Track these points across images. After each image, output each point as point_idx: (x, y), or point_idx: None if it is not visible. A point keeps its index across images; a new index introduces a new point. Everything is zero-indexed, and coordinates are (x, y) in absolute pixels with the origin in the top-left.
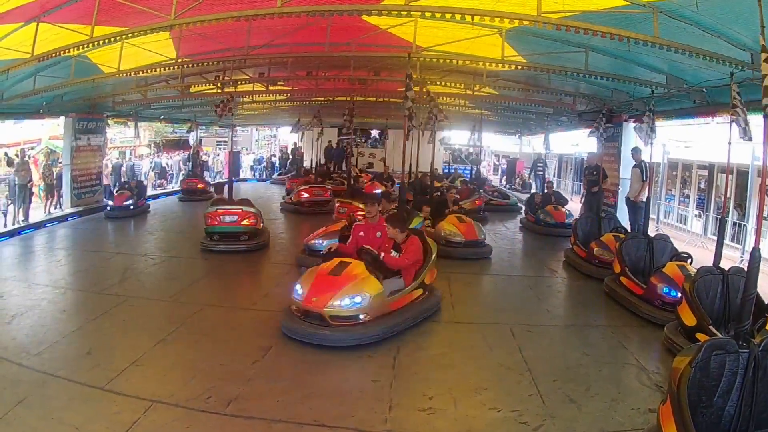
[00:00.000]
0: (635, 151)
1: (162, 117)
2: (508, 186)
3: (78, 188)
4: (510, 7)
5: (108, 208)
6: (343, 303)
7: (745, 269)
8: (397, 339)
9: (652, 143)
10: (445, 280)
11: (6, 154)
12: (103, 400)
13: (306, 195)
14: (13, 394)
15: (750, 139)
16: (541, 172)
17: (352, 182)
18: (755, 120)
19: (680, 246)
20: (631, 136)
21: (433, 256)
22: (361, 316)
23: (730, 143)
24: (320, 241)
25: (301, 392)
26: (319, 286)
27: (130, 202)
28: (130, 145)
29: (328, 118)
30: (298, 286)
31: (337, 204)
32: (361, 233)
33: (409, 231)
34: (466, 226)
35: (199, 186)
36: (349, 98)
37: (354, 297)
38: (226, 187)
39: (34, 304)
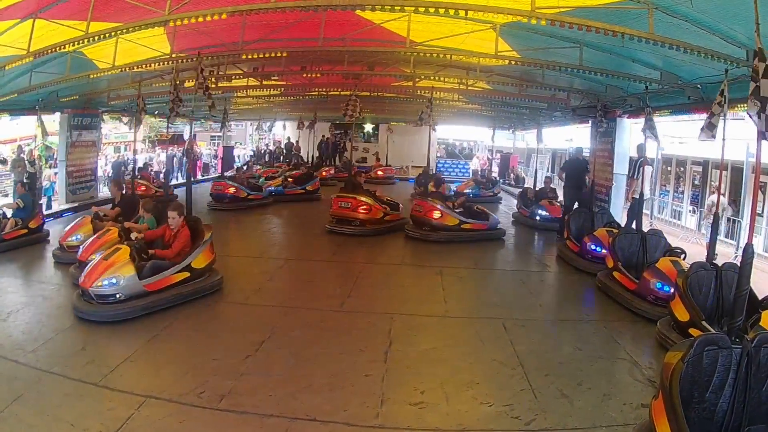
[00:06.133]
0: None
1: (156, 112)
2: (502, 181)
3: (73, 184)
4: (504, 3)
5: None
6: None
7: (739, 265)
8: (389, 333)
9: (656, 138)
10: (438, 274)
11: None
12: (97, 396)
13: None
14: (8, 391)
15: (713, 138)
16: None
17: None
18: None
19: (674, 242)
20: (624, 131)
21: (206, 238)
22: (118, 295)
23: (724, 139)
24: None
25: (294, 387)
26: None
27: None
28: (125, 140)
29: (322, 113)
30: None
31: (335, 197)
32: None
33: (185, 220)
34: None
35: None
36: (350, 92)
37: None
38: None
39: (30, 300)
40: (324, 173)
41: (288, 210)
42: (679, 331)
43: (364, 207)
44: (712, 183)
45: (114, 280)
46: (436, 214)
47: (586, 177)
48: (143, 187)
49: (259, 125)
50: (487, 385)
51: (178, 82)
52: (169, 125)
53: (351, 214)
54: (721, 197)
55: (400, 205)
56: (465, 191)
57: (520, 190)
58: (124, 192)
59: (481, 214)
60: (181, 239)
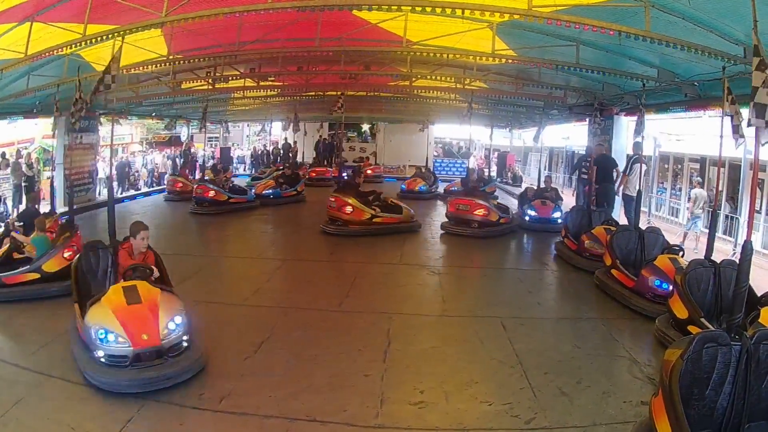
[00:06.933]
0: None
1: (153, 114)
2: (498, 180)
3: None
4: (501, 1)
5: None
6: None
7: (737, 262)
8: (388, 333)
9: (642, 137)
10: (436, 274)
11: (3, 154)
12: (98, 399)
13: None
14: (9, 394)
15: (743, 137)
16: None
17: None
18: (746, 114)
19: (671, 239)
20: (622, 129)
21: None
22: (185, 338)
23: (722, 136)
24: None
25: (293, 388)
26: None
27: None
28: (122, 142)
29: (318, 113)
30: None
31: (332, 198)
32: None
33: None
34: None
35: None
36: (339, 93)
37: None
38: None
39: (30, 304)
40: (312, 173)
41: (278, 212)
42: (678, 328)
43: (348, 207)
44: (694, 178)
45: (179, 319)
46: (481, 212)
47: (614, 171)
48: (180, 184)
49: (262, 129)
50: (487, 384)
51: (81, 80)
52: (167, 127)
53: (336, 213)
54: (702, 191)
55: (404, 207)
56: (452, 189)
57: (521, 190)
58: (33, 205)
59: (504, 209)
60: (152, 262)
